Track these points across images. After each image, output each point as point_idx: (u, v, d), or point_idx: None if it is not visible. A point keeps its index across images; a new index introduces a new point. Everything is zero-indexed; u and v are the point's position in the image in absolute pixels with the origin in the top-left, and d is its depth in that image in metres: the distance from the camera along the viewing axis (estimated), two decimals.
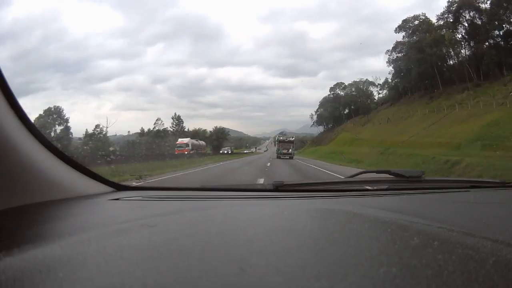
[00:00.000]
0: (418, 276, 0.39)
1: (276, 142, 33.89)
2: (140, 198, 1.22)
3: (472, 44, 39.63)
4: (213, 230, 0.61)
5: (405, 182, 1.41)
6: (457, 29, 40.06)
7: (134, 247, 0.51)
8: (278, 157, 28.66)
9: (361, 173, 1.70)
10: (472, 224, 0.84)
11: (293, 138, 32.98)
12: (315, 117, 71.30)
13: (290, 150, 29.54)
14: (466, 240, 0.55)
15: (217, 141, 50.34)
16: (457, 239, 0.56)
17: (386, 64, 51.75)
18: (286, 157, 27.84)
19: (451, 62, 42.05)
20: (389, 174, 1.47)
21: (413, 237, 0.54)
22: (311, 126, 71.60)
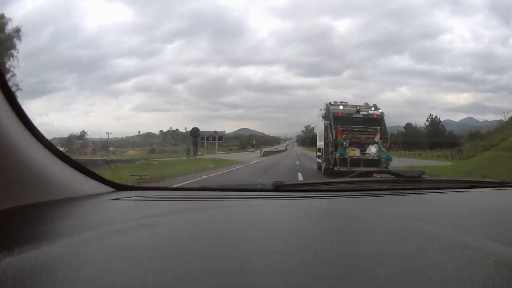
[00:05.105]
0: (418, 276, 0.39)
1: (327, 123, 11.06)
2: (140, 198, 1.22)
3: None
4: (213, 230, 0.61)
5: (405, 182, 1.41)
6: None
7: (134, 247, 0.51)
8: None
9: (361, 173, 1.70)
10: (472, 224, 0.84)
11: (381, 111, 11.43)
12: None
13: (374, 149, 10.49)
14: (466, 240, 0.55)
15: None
16: (457, 239, 0.56)
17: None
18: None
19: None
20: (389, 174, 1.47)
21: (413, 237, 0.54)
22: None
